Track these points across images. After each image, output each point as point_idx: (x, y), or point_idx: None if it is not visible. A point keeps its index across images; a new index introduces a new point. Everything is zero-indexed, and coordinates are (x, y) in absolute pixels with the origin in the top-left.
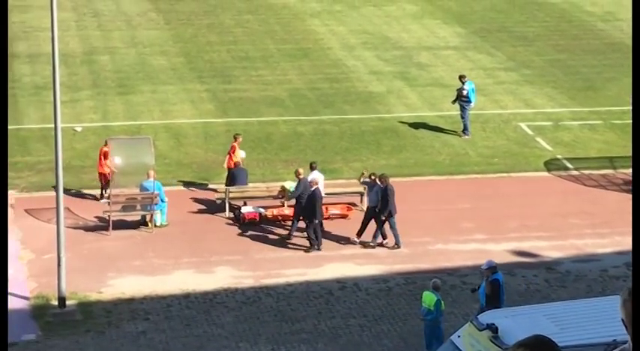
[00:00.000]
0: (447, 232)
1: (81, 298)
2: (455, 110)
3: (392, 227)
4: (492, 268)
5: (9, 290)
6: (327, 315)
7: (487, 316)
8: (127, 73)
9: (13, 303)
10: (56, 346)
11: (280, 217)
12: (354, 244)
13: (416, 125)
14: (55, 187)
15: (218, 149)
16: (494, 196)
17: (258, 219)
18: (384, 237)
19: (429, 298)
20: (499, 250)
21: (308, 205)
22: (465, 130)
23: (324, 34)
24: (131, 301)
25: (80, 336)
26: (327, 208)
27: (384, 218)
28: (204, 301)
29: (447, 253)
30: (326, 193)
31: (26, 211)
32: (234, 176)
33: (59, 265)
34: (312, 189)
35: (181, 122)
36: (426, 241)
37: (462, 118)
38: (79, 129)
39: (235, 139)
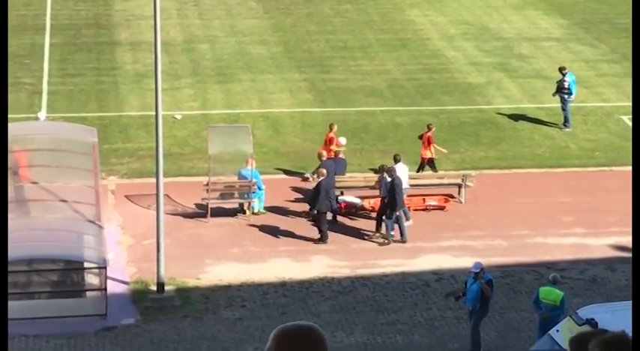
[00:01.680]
0: (546, 226)
1: (179, 283)
2: (556, 102)
3: (397, 221)
4: (483, 269)
5: (109, 274)
6: (423, 306)
7: (587, 311)
8: (226, 62)
9: (113, 287)
10: (154, 331)
11: (377, 208)
12: (376, 239)
13: (516, 117)
14: (156, 174)
15: (315, 139)
16: (595, 189)
17: (354, 209)
18: (377, 230)
19: (554, 293)
20: (599, 245)
21: (313, 195)
22: (565, 122)
23: (424, 24)
24: (228, 287)
25: (178, 321)
26: (424, 200)
27: (389, 212)
28: (300, 290)
29: (546, 247)
30: (423, 185)
31: (126, 197)
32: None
33: (158, 250)
34: (319, 180)
35: (279, 111)
36: (525, 234)
37: (563, 110)
38: (178, 117)
39: (331, 128)
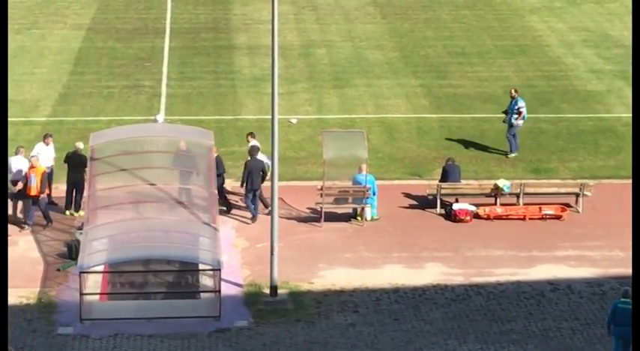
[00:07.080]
0: None
1: (292, 287)
2: None
3: (253, 200)
4: None
5: (223, 277)
6: (538, 316)
7: None
8: (342, 67)
9: (226, 289)
10: (267, 334)
11: (492, 216)
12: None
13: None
14: (271, 178)
15: (431, 145)
16: None
17: (469, 216)
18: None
19: None
20: None
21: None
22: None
23: (543, 30)
24: (341, 292)
25: (290, 325)
26: (540, 208)
27: (245, 191)
28: (413, 297)
29: None
30: (540, 193)
31: (242, 200)
32: (447, 172)
33: (272, 254)
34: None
35: (395, 117)
36: None
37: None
38: (294, 121)
39: None
